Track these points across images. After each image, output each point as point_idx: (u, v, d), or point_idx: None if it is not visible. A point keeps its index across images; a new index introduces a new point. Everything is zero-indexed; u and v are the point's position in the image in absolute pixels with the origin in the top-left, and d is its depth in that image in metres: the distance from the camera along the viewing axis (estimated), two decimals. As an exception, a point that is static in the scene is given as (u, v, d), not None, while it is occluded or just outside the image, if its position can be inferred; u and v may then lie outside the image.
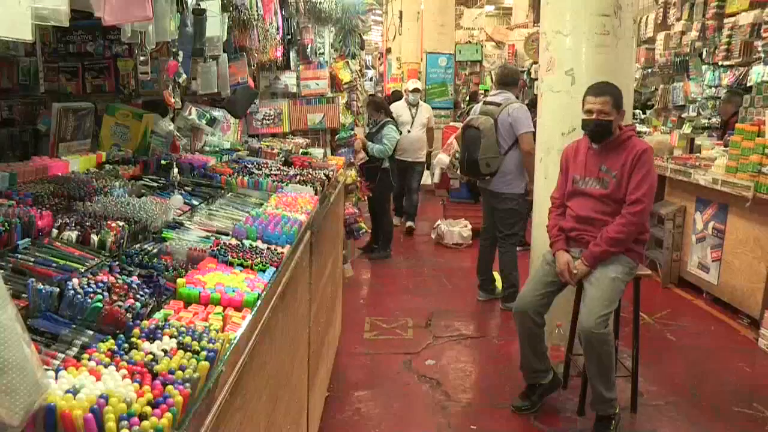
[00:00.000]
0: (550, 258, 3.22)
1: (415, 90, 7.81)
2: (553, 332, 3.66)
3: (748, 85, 6.62)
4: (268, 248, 1.87)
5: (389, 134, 6.19)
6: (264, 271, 1.69)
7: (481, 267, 5.12)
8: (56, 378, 0.97)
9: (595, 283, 3.00)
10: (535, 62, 11.21)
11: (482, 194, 5.09)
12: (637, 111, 8.93)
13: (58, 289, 1.25)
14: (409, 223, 7.60)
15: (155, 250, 1.75)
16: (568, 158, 3.27)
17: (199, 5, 2.65)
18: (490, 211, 4.94)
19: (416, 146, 7.52)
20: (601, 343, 2.87)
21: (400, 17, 13.68)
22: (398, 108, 7.53)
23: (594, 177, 3.10)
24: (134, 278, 1.41)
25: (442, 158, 6.79)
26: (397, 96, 10.49)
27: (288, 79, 5.02)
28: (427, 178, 8.79)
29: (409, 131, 7.42)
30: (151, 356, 1.09)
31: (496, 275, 5.11)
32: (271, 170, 3.08)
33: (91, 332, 1.21)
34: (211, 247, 1.79)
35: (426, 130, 7.69)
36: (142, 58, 2.39)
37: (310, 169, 3.36)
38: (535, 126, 4.43)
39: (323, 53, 5.36)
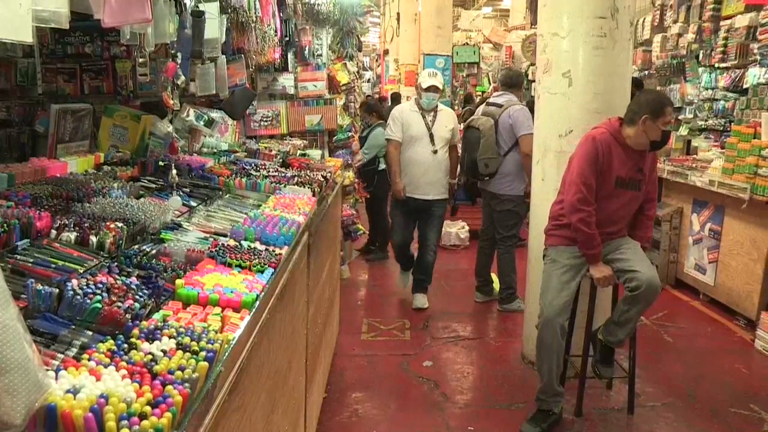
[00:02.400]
0: (568, 262, 3.11)
1: (432, 89, 4.71)
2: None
3: (745, 87, 6.64)
4: (266, 249, 1.87)
5: (373, 138, 6.01)
6: (262, 272, 1.70)
7: (479, 268, 5.12)
8: (56, 378, 0.98)
9: (633, 249, 3.16)
10: (533, 64, 11.24)
11: (482, 195, 5.10)
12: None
13: (57, 290, 1.25)
14: (419, 301, 4.92)
15: (154, 251, 1.76)
16: (606, 156, 3.05)
17: (197, 7, 2.66)
18: (489, 212, 4.95)
19: (436, 176, 4.72)
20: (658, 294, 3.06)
21: (398, 19, 13.72)
22: (404, 116, 4.78)
23: (634, 178, 3.15)
24: (133, 279, 1.42)
25: None
26: (396, 99, 10.39)
27: (286, 81, 5.04)
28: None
29: (435, 152, 4.69)
30: (150, 356, 1.10)
31: (494, 277, 5.12)
32: (269, 171, 3.09)
33: (90, 333, 1.21)
34: (209, 248, 1.79)
35: (449, 149, 4.81)
36: (140, 60, 2.41)
37: (308, 171, 3.37)
38: None
39: (321, 55, 5.37)
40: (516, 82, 5.02)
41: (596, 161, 3.03)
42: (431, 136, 4.71)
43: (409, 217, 4.86)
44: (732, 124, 6.39)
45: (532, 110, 4.65)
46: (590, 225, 3.02)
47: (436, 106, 4.81)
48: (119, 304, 1.27)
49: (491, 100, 5.02)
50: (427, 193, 4.74)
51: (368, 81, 17.69)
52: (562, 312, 3.07)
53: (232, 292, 1.48)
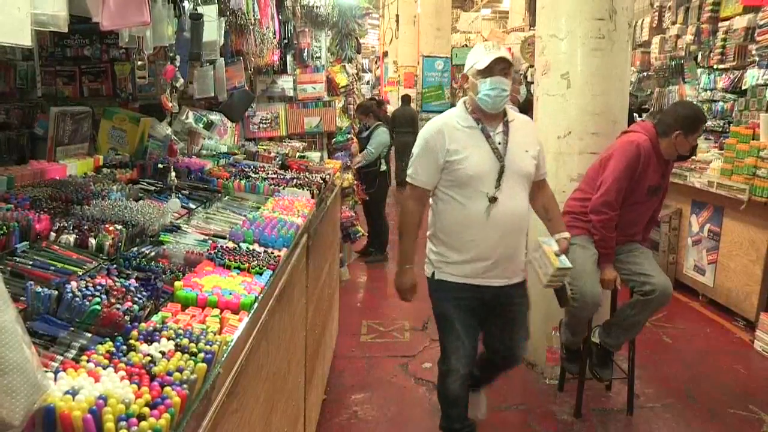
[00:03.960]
0: (596, 253, 3.11)
1: (500, 65, 2.41)
2: (550, 335, 3.67)
3: (743, 88, 6.65)
4: (264, 251, 1.88)
5: (377, 137, 6.14)
6: (261, 274, 1.70)
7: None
8: (55, 379, 0.98)
9: (646, 254, 3.22)
10: (532, 66, 11.24)
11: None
12: (633, 114, 8.95)
13: (56, 292, 1.26)
14: (479, 407, 3.06)
15: (153, 254, 1.77)
16: (645, 164, 3.04)
17: (196, 10, 2.66)
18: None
19: (516, 242, 2.56)
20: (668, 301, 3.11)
21: (397, 21, 13.72)
22: (446, 140, 2.44)
23: (660, 185, 3.18)
24: (132, 281, 1.42)
25: None
26: (406, 101, 10.33)
27: (285, 83, 5.04)
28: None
29: (494, 198, 2.44)
30: (149, 358, 1.10)
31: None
32: (268, 174, 3.09)
33: (89, 335, 1.22)
34: (208, 250, 1.80)
35: (537, 187, 2.67)
36: (139, 63, 2.41)
37: (307, 173, 3.37)
38: None
39: (320, 57, 5.38)
40: None
41: (636, 168, 3.05)
42: (502, 171, 2.46)
43: (471, 320, 2.67)
44: (731, 125, 6.41)
45: (525, 110, 4.64)
46: (609, 228, 3.06)
47: (504, 114, 2.54)
48: (118, 306, 1.28)
49: None
50: (502, 276, 2.57)
51: (367, 83, 17.67)
52: (599, 292, 3.11)
53: (230, 294, 1.48)
